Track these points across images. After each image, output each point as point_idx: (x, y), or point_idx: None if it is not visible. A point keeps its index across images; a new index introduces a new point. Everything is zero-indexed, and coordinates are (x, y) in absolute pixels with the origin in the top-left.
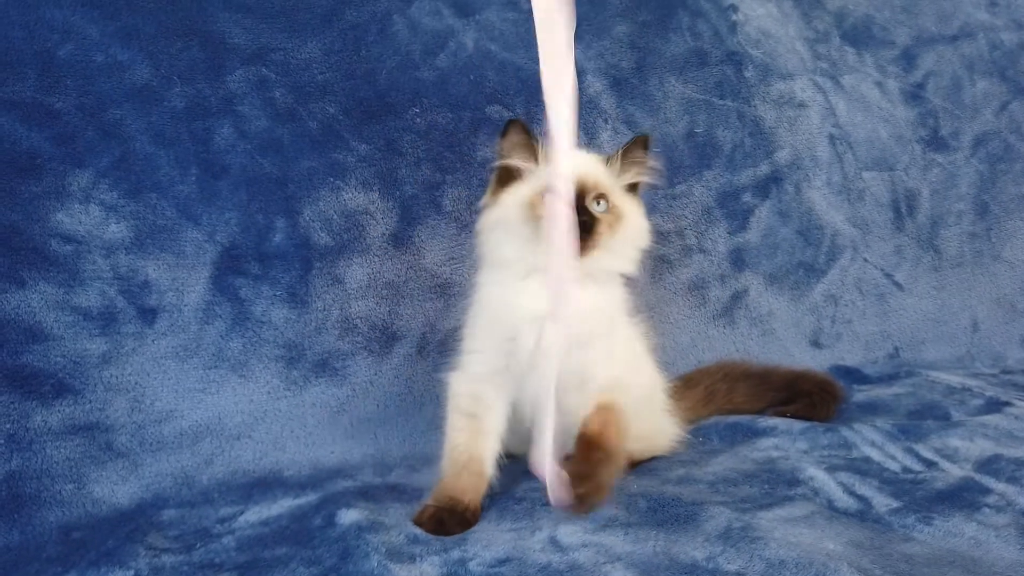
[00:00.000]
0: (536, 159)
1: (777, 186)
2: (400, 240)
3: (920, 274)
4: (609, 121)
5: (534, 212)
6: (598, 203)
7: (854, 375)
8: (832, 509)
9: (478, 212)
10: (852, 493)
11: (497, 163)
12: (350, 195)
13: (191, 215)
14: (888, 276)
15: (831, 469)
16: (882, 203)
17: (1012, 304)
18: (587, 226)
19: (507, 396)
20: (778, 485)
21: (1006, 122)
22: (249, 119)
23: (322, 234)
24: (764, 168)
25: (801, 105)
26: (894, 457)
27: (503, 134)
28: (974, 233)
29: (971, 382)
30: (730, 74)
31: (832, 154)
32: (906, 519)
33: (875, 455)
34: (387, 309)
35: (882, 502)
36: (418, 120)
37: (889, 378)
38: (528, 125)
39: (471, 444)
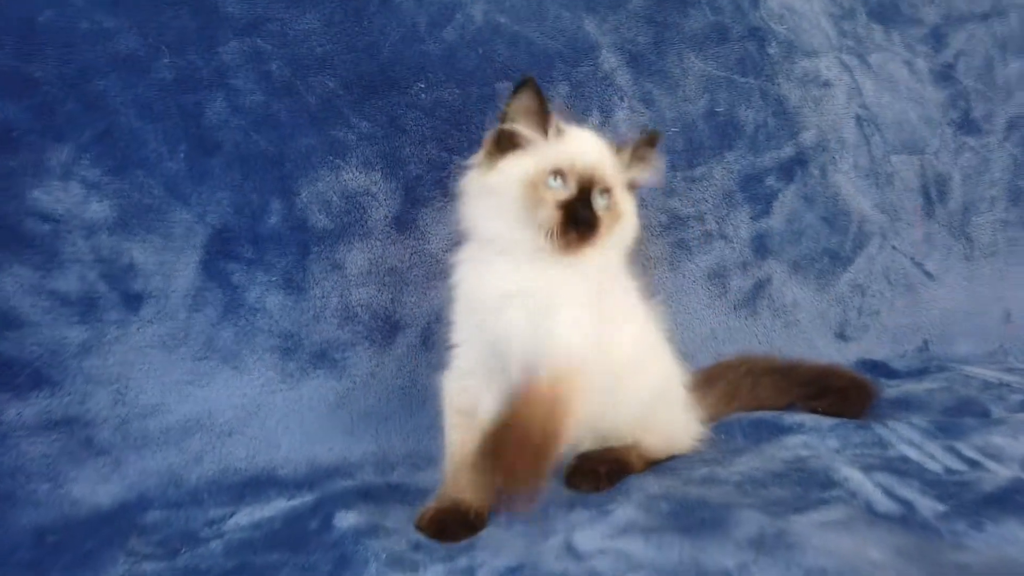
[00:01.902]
0: (545, 130)
1: (802, 169)
2: (403, 223)
3: (951, 263)
4: (625, 99)
5: (535, 194)
6: (602, 196)
7: (881, 369)
8: (872, 513)
9: (464, 169)
10: (893, 496)
11: (502, 126)
12: (350, 175)
13: (180, 194)
14: (918, 265)
15: (867, 469)
16: (911, 188)
17: None
18: (589, 224)
19: (501, 389)
20: (811, 486)
21: None
22: (243, 93)
23: (320, 216)
24: (788, 150)
25: (827, 84)
26: (934, 456)
27: (514, 93)
28: (1007, 220)
29: (1008, 377)
30: (752, 50)
31: (859, 136)
32: (955, 525)
33: (913, 454)
34: (390, 297)
35: (927, 505)
36: (423, 96)
37: (919, 373)
38: (542, 90)
39: (466, 439)
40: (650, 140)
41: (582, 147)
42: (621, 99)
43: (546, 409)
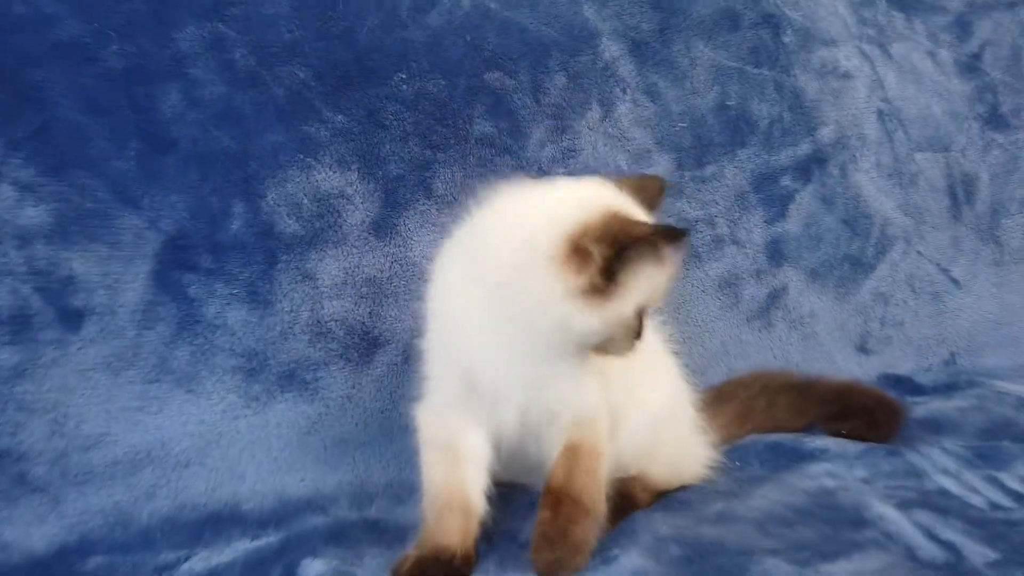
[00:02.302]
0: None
1: (820, 168)
2: (383, 228)
3: (979, 269)
4: (628, 91)
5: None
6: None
7: (906, 385)
8: (914, 560)
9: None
10: (935, 539)
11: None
12: (323, 175)
13: (129, 197)
14: (944, 271)
15: (904, 506)
16: (937, 188)
17: None
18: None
19: (482, 423)
20: (841, 526)
21: None
22: (202, 84)
23: (289, 221)
24: (805, 147)
25: (846, 76)
26: (976, 489)
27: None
28: None
29: None
30: (766, 39)
31: (881, 132)
32: (1012, 573)
33: (952, 486)
34: (367, 310)
35: (975, 551)
36: (404, 87)
37: (947, 388)
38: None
39: (450, 478)
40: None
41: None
42: (623, 91)
43: (592, 471)
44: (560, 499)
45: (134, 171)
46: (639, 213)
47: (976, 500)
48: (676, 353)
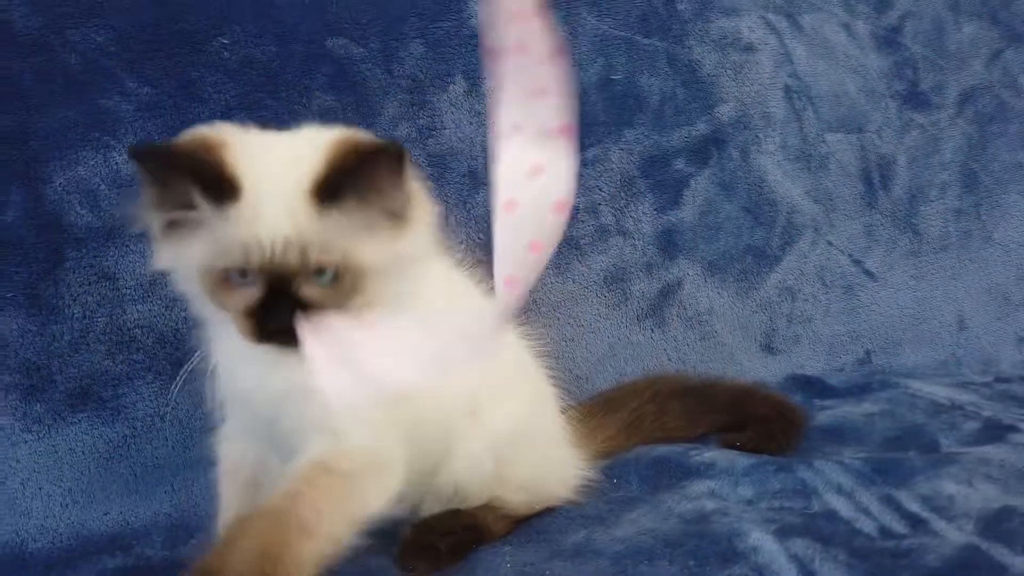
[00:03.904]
0: (211, 194)
1: (719, 150)
2: None
3: (896, 260)
4: None
5: (218, 293)
6: (320, 274)
7: (816, 386)
8: None
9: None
10: (809, 573)
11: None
12: (125, 157)
13: None
14: (857, 263)
15: (783, 533)
16: (850, 173)
17: (1006, 296)
18: (287, 333)
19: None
20: (708, 559)
21: (998, 75)
22: None
23: (82, 211)
24: (702, 127)
25: (749, 48)
26: (868, 512)
27: (137, 167)
28: (960, 210)
29: (961, 396)
30: (658, 6)
31: (788, 111)
32: None
33: (843, 508)
34: (182, 314)
35: None
36: (226, 54)
37: (859, 390)
38: (174, 148)
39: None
40: (382, 164)
41: (260, 222)
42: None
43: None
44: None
45: None
46: None
47: (866, 525)
48: (548, 356)
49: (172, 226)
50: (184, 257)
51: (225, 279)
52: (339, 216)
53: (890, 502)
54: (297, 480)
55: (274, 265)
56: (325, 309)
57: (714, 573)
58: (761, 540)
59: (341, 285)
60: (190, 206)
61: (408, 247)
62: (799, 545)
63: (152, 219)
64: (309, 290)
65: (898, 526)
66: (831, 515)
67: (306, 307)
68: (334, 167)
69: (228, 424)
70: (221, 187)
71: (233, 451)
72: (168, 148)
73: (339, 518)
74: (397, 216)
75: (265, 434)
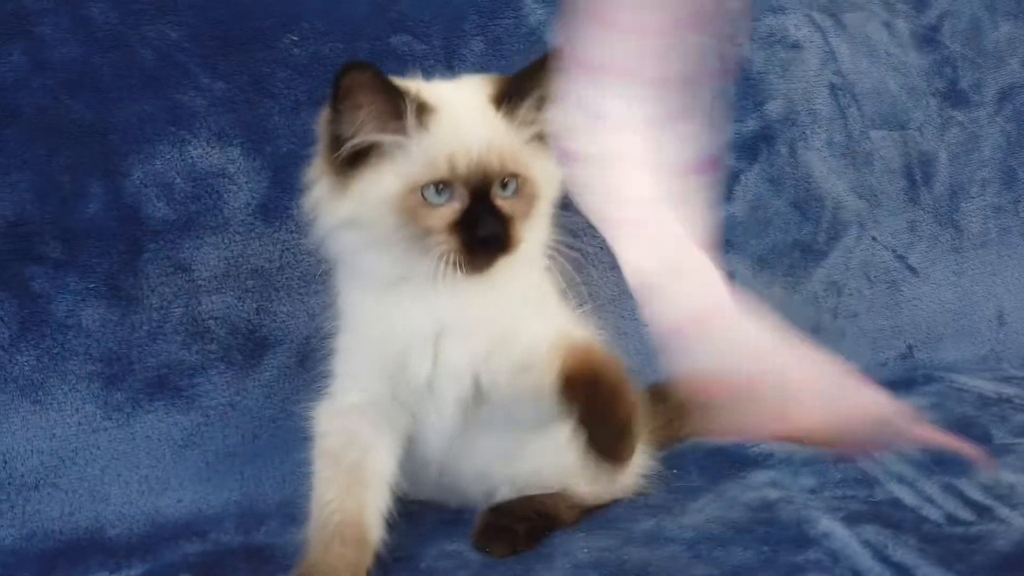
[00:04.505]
0: (401, 125)
1: (768, 146)
2: (271, 212)
3: (938, 256)
4: None
5: (415, 219)
6: (505, 187)
7: None
8: None
9: (305, 189)
10: (885, 559)
11: (338, 133)
12: (200, 151)
13: None
14: (900, 258)
15: (851, 520)
16: (893, 169)
17: None
18: (499, 240)
19: (396, 432)
20: (782, 545)
21: None
22: (51, 44)
23: (159, 204)
24: (751, 123)
25: (796, 46)
26: (933, 500)
27: (338, 90)
28: (1000, 206)
29: (1007, 389)
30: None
31: (834, 108)
32: None
33: (907, 497)
34: (254, 306)
35: (929, 574)
36: (296, 51)
37: (904, 384)
38: (381, 72)
39: (345, 501)
40: (544, 66)
41: (461, 132)
42: None
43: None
44: (586, 382)
45: None
46: None
47: (932, 513)
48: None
49: (357, 164)
50: (376, 189)
51: (420, 201)
52: (518, 125)
53: (952, 491)
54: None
55: (478, 171)
56: (515, 222)
57: (788, 558)
58: (831, 527)
59: (521, 198)
60: (386, 131)
61: (555, 171)
62: (869, 531)
63: (328, 168)
64: (502, 200)
65: (964, 513)
66: (896, 503)
67: (503, 219)
68: (507, 80)
69: (338, 399)
70: (421, 106)
71: (338, 430)
72: (375, 69)
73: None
74: (544, 141)
75: (385, 414)
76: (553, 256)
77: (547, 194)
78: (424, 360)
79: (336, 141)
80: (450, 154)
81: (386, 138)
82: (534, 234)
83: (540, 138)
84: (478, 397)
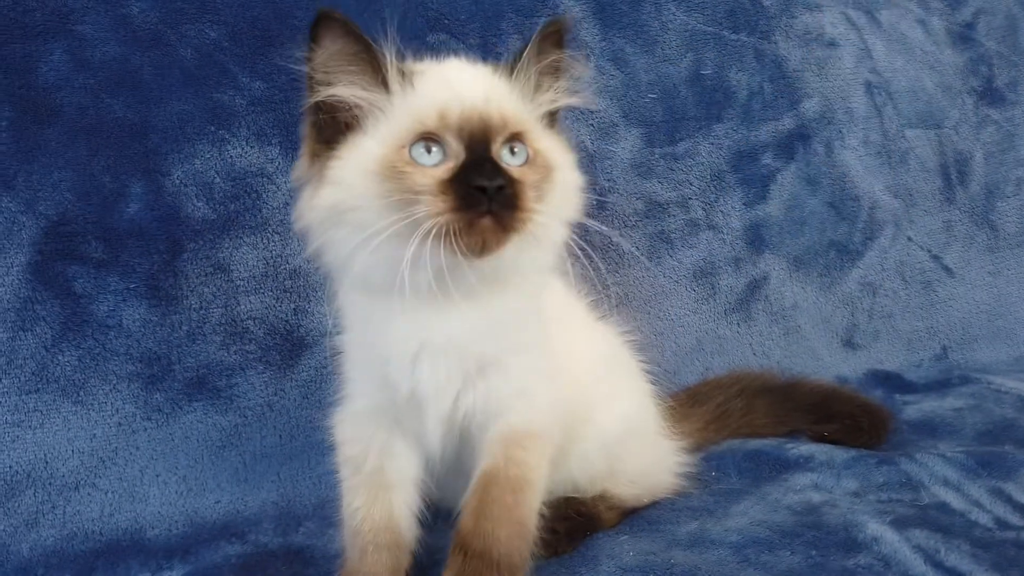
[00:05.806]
0: (382, 81)
1: (804, 145)
2: None
3: (973, 256)
4: (592, 57)
5: (400, 182)
6: (512, 150)
7: (895, 382)
8: None
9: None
10: (939, 565)
11: (312, 97)
12: (239, 150)
13: (1, 175)
14: (936, 259)
15: (900, 524)
16: (928, 168)
17: None
18: (507, 198)
19: (411, 435)
20: (830, 550)
21: None
22: (92, 43)
23: (198, 204)
24: (788, 122)
25: (832, 44)
26: (980, 504)
27: (313, 41)
28: None
29: None
30: (745, 2)
31: (870, 106)
32: None
33: (954, 500)
34: (292, 306)
35: None
36: None
37: (940, 386)
38: (356, 26)
39: (373, 507)
40: (553, 34)
41: (453, 83)
42: (587, 58)
43: (514, 510)
44: (465, 551)
45: (8, 144)
46: None
47: (981, 517)
48: (640, 350)
49: (337, 144)
50: (356, 160)
51: (406, 159)
52: (522, 92)
53: (1000, 494)
54: (480, 498)
55: (475, 123)
56: (525, 188)
57: (840, 563)
58: (880, 531)
59: (533, 169)
60: (364, 86)
61: (574, 167)
62: (919, 536)
63: (309, 158)
64: (509, 164)
65: (1013, 518)
66: (943, 507)
67: (510, 179)
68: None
69: (351, 405)
70: (406, 69)
71: (356, 436)
72: (357, 33)
73: (544, 471)
74: (550, 118)
75: (394, 421)
76: (578, 258)
77: (564, 181)
78: (404, 377)
79: (315, 114)
80: (441, 105)
81: (364, 95)
82: (547, 231)
83: (552, 123)
84: (468, 416)
